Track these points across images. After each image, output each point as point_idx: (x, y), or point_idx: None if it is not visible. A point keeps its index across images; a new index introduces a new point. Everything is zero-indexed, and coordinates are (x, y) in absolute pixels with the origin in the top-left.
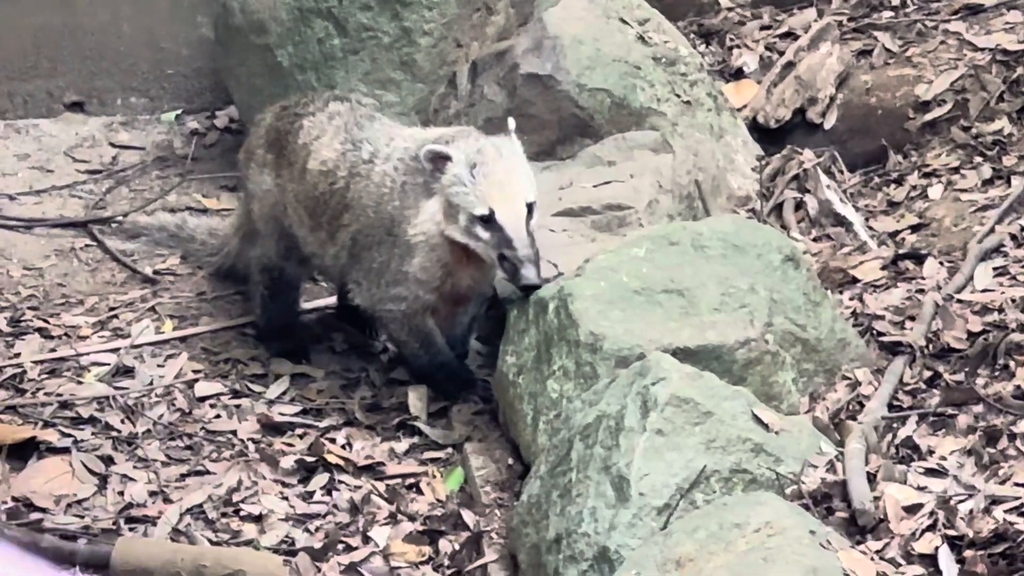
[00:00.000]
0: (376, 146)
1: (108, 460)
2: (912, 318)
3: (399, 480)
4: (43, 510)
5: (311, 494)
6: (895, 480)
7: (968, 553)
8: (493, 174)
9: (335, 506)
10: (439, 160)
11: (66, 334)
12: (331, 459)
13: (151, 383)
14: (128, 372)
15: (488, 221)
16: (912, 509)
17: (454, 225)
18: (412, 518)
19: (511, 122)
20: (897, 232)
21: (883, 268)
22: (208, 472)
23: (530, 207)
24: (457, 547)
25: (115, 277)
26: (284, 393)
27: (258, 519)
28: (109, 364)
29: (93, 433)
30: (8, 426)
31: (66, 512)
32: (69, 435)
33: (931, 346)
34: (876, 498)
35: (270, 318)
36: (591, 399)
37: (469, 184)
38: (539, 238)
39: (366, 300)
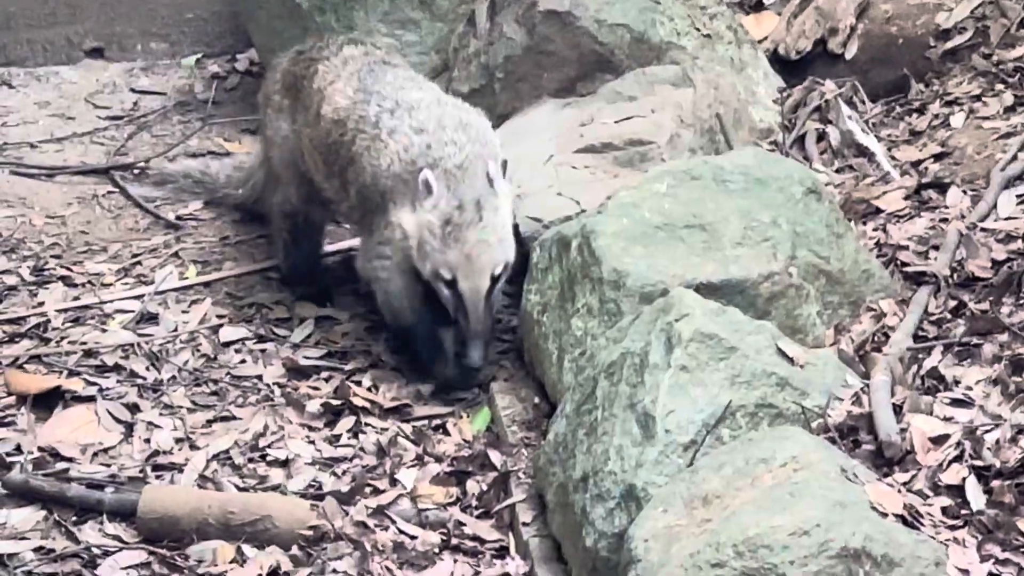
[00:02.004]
0: (383, 108)
1: (133, 408)
2: (936, 248)
3: (425, 422)
4: (69, 459)
5: (337, 438)
6: (921, 411)
7: (995, 483)
8: (465, 240)
9: (362, 449)
10: (427, 186)
11: (89, 282)
12: (357, 402)
13: (175, 329)
14: (152, 319)
15: (450, 285)
16: (938, 440)
17: (422, 261)
18: (439, 459)
19: (493, 167)
20: (920, 161)
21: (906, 198)
22: (234, 418)
23: (497, 278)
24: (484, 488)
25: (138, 223)
26: (309, 337)
27: (285, 464)
28: (133, 311)
29: (118, 381)
30: (33, 376)
31: (92, 461)
32: (94, 383)
33: (955, 275)
34: (902, 430)
35: (294, 263)
36: (615, 336)
37: (438, 241)
38: (561, 175)
39: (358, 260)
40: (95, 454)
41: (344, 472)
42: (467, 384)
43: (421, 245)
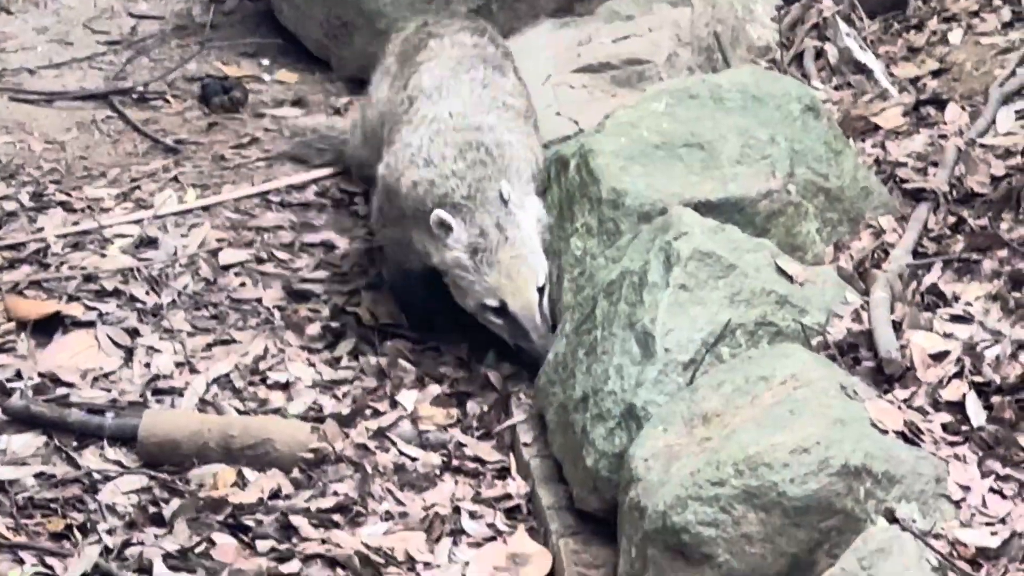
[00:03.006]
0: (424, 114)
1: (133, 332)
2: (935, 164)
3: (425, 343)
4: (69, 385)
5: (337, 360)
6: (921, 328)
7: (995, 399)
8: (499, 263)
9: (362, 371)
10: (444, 226)
11: (89, 207)
12: (357, 323)
13: (175, 253)
14: (152, 243)
15: (500, 312)
16: (938, 357)
17: (463, 298)
18: (439, 381)
19: (505, 187)
20: (918, 78)
21: (905, 114)
22: (234, 341)
23: (541, 289)
24: (485, 409)
25: (137, 148)
26: (308, 260)
27: (285, 387)
28: (132, 235)
29: (118, 305)
30: (33, 301)
31: (92, 386)
32: (94, 308)
33: (954, 192)
34: (902, 347)
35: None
36: (614, 255)
37: (473, 273)
38: (559, 95)
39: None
40: (95, 379)
41: (344, 395)
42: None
43: (456, 283)
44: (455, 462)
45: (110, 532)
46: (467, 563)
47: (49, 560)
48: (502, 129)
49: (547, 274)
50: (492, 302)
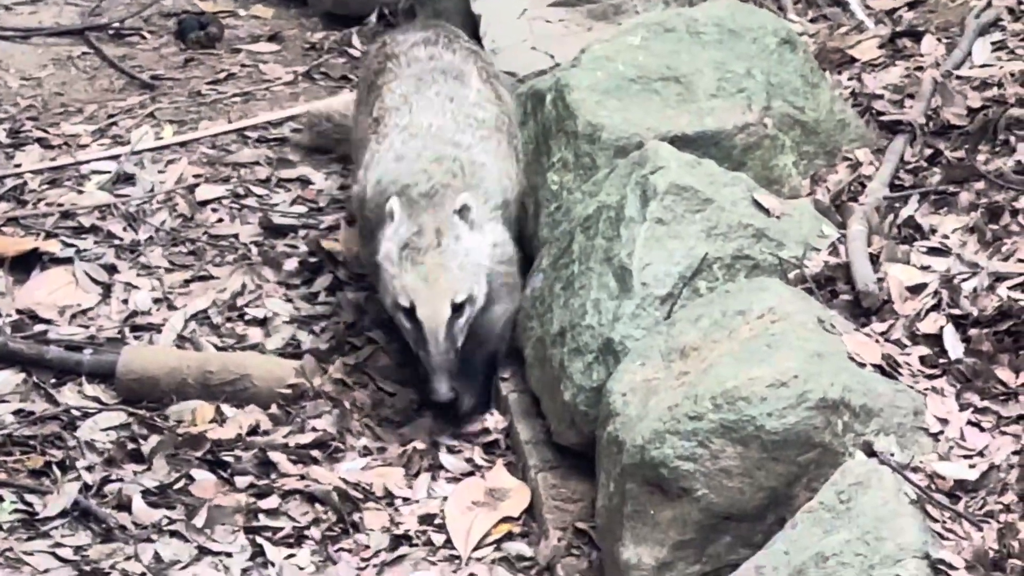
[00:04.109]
0: (393, 124)
1: (111, 269)
2: (911, 96)
3: None
4: (47, 321)
5: (315, 296)
6: (898, 260)
7: (973, 331)
8: (421, 265)
9: (339, 307)
10: (390, 215)
11: (66, 143)
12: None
13: (152, 189)
14: (129, 179)
15: (409, 314)
16: (916, 289)
17: (383, 293)
18: None
19: (463, 197)
20: (894, 10)
21: (881, 47)
22: (212, 277)
23: (459, 306)
24: None
25: (113, 84)
26: (285, 195)
27: (263, 323)
28: (110, 172)
29: (95, 242)
30: (10, 238)
31: (70, 322)
32: (71, 245)
33: (931, 123)
34: (879, 279)
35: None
36: (591, 190)
37: (396, 268)
38: (535, 29)
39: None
40: (73, 316)
41: (322, 330)
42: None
43: (381, 278)
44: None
45: (89, 469)
46: (446, 498)
47: (28, 497)
48: (479, 150)
49: (473, 297)
50: (403, 302)
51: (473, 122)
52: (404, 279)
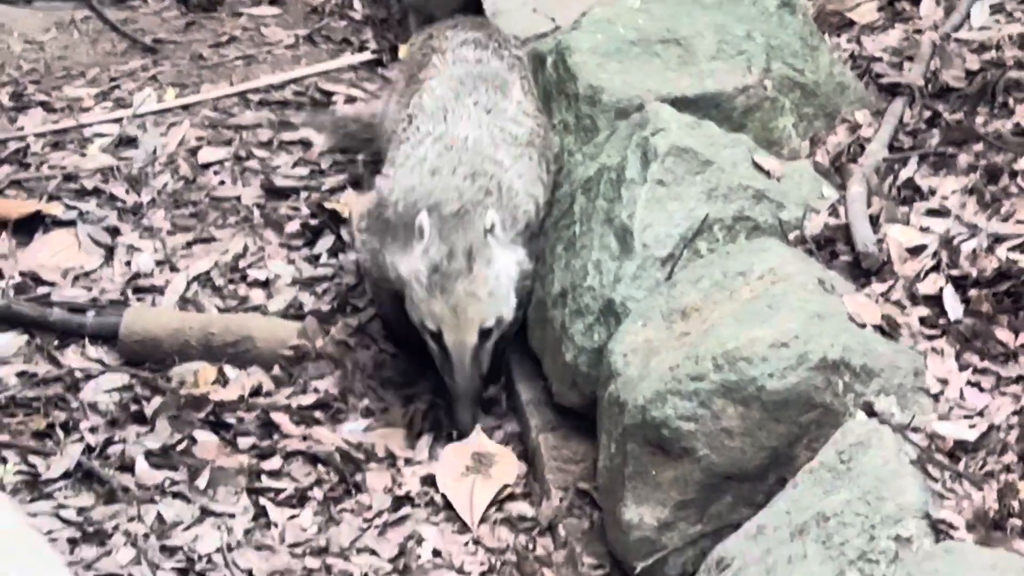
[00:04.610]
0: (427, 132)
1: (114, 231)
2: (910, 58)
3: None
4: (51, 284)
5: (317, 257)
6: (898, 221)
7: (972, 292)
8: (451, 292)
9: (341, 268)
10: (420, 230)
11: (68, 106)
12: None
13: (154, 152)
14: (131, 142)
15: (436, 338)
16: (915, 250)
17: (410, 308)
18: None
19: (491, 215)
20: None
21: (880, 9)
22: (214, 239)
23: (486, 332)
24: None
25: (115, 47)
26: (287, 157)
27: (265, 284)
28: (112, 135)
29: (98, 204)
30: (13, 201)
31: (73, 285)
32: (74, 207)
33: (930, 86)
34: (879, 240)
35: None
36: (591, 152)
37: (426, 291)
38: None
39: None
40: (76, 278)
41: (324, 292)
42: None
43: (408, 295)
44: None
45: (92, 430)
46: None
47: (32, 458)
48: (513, 173)
49: (501, 320)
50: (431, 326)
51: (508, 137)
52: (433, 306)
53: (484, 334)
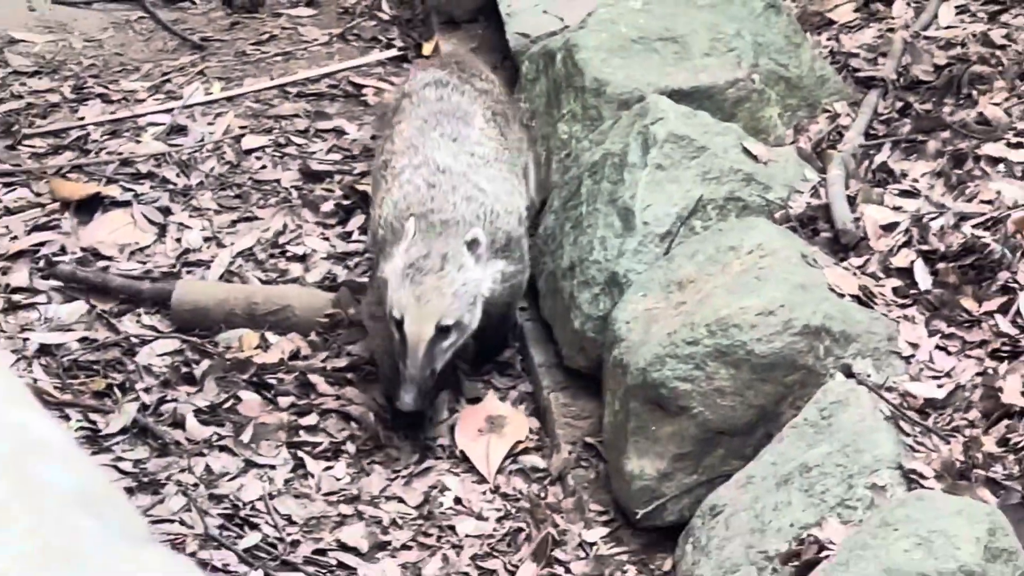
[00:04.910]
0: (404, 165)
1: (166, 211)
2: (884, 55)
3: None
4: (109, 258)
5: (349, 234)
6: (873, 202)
7: (940, 265)
8: (419, 285)
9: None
10: (405, 232)
11: (124, 98)
12: (366, 200)
13: (202, 139)
14: (181, 130)
15: (399, 326)
16: (889, 227)
17: (386, 305)
18: None
19: (475, 232)
20: None
21: (856, 10)
22: (256, 218)
23: (444, 329)
24: None
25: (167, 45)
26: (322, 144)
27: (302, 259)
28: (164, 124)
29: (152, 187)
30: (76, 183)
31: (129, 259)
32: (130, 189)
33: (902, 79)
34: (856, 219)
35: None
36: (597, 139)
37: (398, 283)
38: None
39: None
40: (132, 253)
41: (356, 265)
42: (407, 425)
43: (387, 291)
44: None
45: (147, 390)
46: (453, 426)
47: (92, 416)
48: (493, 197)
49: (462, 324)
50: (396, 314)
51: (478, 161)
52: (400, 294)
53: (442, 331)
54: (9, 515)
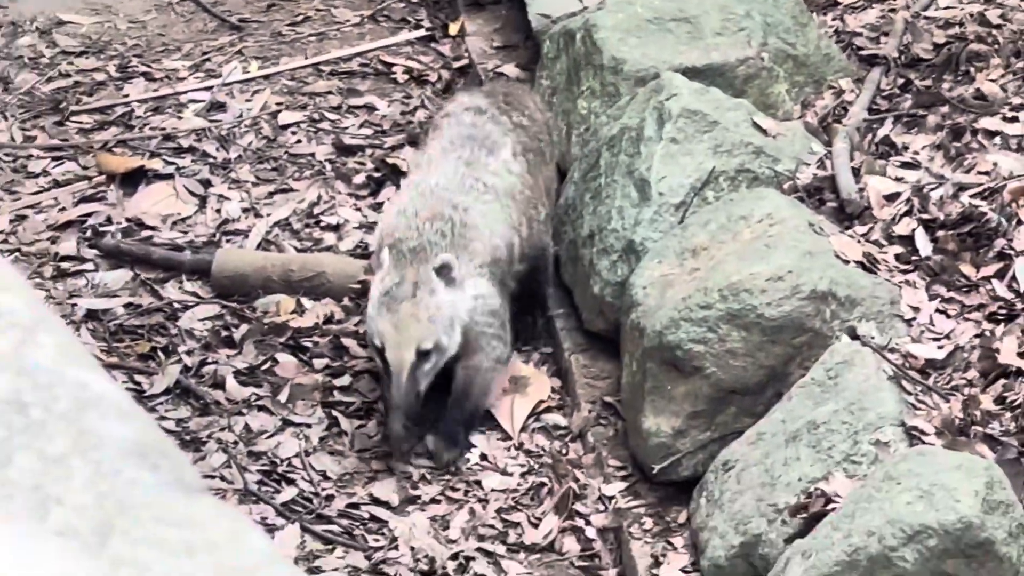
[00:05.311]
0: (408, 182)
1: (206, 183)
2: (886, 34)
3: None
4: (152, 228)
5: (380, 205)
6: (876, 173)
7: (940, 233)
8: (395, 312)
9: None
10: (379, 262)
11: (167, 76)
12: (396, 172)
13: (241, 115)
14: (221, 107)
15: (380, 354)
16: (891, 197)
17: (366, 330)
18: None
19: (443, 257)
20: None
21: None
22: (292, 190)
23: (424, 353)
24: None
25: (207, 26)
26: (354, 120)
27: (335, 228)
28: (204, 101)
29: (193, 160)
30: (120, 157)
31: (172, 229)
32: (172, 163)
33: (903, 57)
34: (860, 189)
35: None
36: (615, 114)
37: (375, 311)
38: None
39: None
40: (174, 223)
41: None
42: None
43: (366, 316)
44: None
45: (189, 353)
46: None
47: (137, 378)
48: (475, 213)
49: (441, 346)
50: (376, 342)
51: (480, 186)
52: (380, 323)
53: (422, 355)
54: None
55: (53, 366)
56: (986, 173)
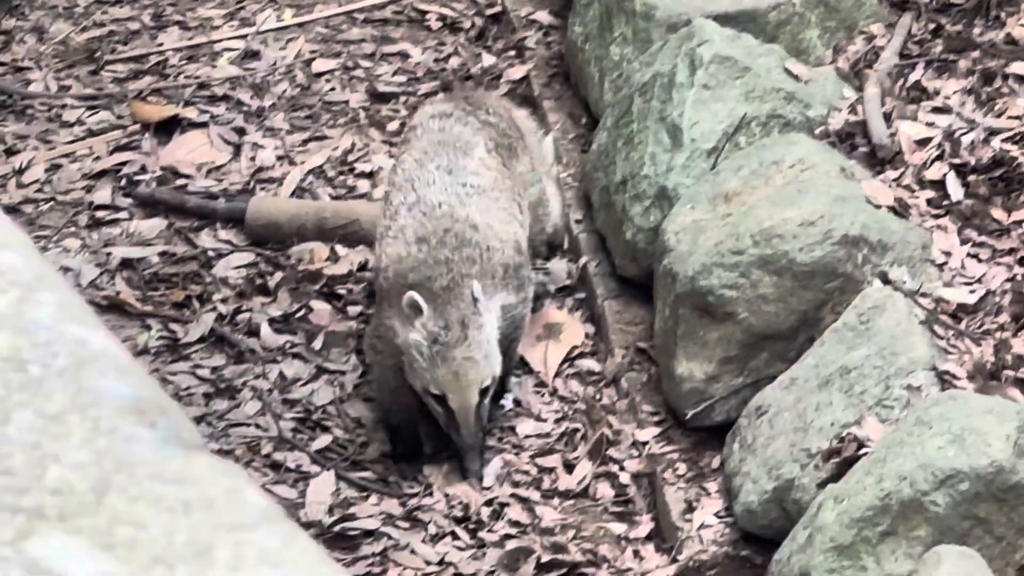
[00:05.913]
0: (404, 201)
1: (240, 131)
2: None
3: None
4: (187, 176)
5: None
6: (907, 118)
7: (971, 178)
8: (451, 360)
9: None
10: (415, 307)
11: (201, 25)
12: None
13: (275, 63)
14: (255, 55)
15: (440, 401)
16: (923, 142)
17: (412, 378)
18: None
19: (476, 287)
20: None
21: None
22: (326, 137)
23: (484, 391)
24: None
25: None
26: (388, 67)
27: (369, 175)
28: (238, 49)
29: (227, 109)
30: (155, 106)
31: (206, 177)
32: (207, 111)
33: (934, 2)
34: (892, 134)
35: None
36: (647, 60)
37: (427, 361)
38: None
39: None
40: (208, 171)
41: None
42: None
43: (410, 363)
44: None
45: (223, 301)
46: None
47: (172, 326)
48: (487, 229)
49: (497, 375)
50: (435, 391)
51: (471, 190)
52: (436, 373)
53: (483, 392)
54: (66, 427)
55: (53, 323)
56: (1017, 118)
